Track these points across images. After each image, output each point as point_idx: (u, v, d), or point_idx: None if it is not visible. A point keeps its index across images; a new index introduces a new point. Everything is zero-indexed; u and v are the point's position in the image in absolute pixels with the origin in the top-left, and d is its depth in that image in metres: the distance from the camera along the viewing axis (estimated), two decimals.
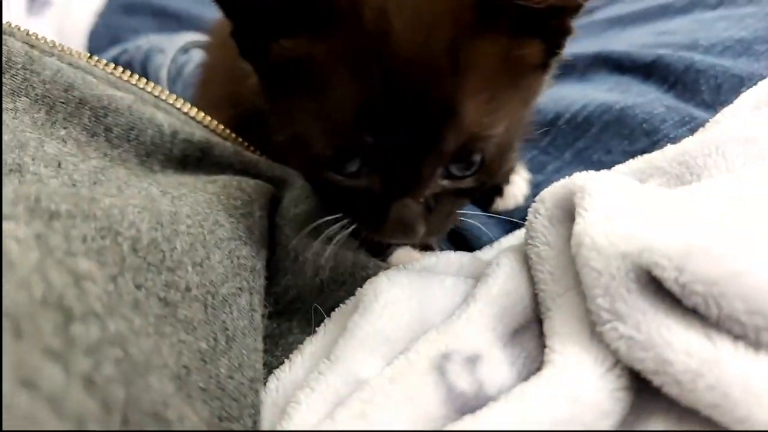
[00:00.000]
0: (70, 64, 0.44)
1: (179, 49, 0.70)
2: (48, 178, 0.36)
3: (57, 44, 0.46)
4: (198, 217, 0.37)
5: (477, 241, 0.55)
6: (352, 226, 0.40)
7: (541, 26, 0.36)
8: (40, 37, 0.46)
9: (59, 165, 0.38)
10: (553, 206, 0.40)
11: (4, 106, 0.39)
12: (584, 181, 0.38)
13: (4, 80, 0.40)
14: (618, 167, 0.42)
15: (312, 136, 0.36)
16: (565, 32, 0.39)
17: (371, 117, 0.33)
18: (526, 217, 0.42)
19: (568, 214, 0.39)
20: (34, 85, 0.41)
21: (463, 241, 0.55)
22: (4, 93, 0.40)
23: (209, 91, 0.58)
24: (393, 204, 0.36)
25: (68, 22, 0.87)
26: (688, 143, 0.39)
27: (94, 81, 0.44)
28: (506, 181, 0.57)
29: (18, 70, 0.41)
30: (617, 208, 0.34)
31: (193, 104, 0.53)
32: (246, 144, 0.52)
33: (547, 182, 0.58)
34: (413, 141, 0.34)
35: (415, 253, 0.50)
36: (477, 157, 0.38)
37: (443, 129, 0.34)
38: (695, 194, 0.34)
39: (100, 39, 0.85)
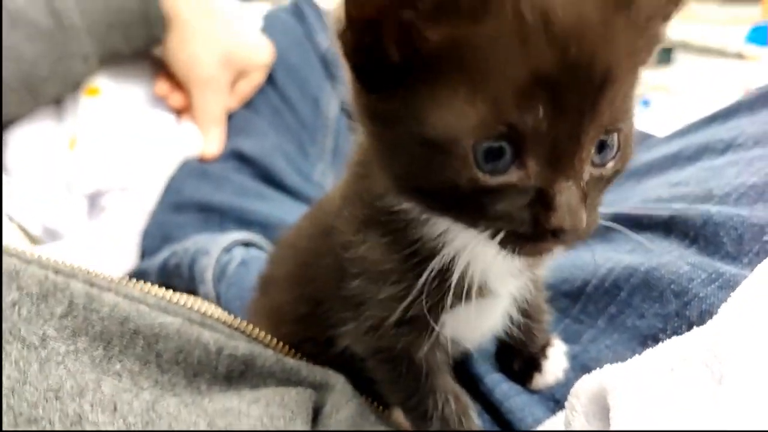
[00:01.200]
0: (125, 296, 0.48)
1: (222, 250, 0.76)
2: (105, 425, 0.39)
3: (114, 279, 0.50)
4: None
5: (521, 423, 0.54)
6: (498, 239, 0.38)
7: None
8: (99, 273, 0.50)
9: (115, 408, 0.40)
10: (588, 402, 0.40)
11: (66, 348, 0.43)
12: (615, 379, 0.38)
13: (66, 323, 0.44)
14: (648, 353, 0.43)
15: (457, 132, 0.34)
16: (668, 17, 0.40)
17: (539, 90, 0.33)
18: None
19: (604, 410, 0.39)
20: (94, 323, 0.45)
21: (507, 423, 0.55)
22: (66, 336, 0.43)
23: (269, 300, 0.62)
24: (556, 191, 0.35)
25: (123, 223, 0.96)
26: (715, 329, 0.40)
27: (146, 309, 0.48)
28: (543, 354, 0.57)
29: (79, 311, 0.44)
30: (648, 419, 0.34)
31: (251, 309, 0.57)
32: (288, 349, 0.55)
33: (585, 353, 0.58)
34: (576, 113, 0.34)
35: None
36: (615, 140, 0.38)
37: (602, 99, 0.34)
38: (727, 394, 0.34)
39: (152, 236, 0.93)
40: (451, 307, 0.45)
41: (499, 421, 0.56)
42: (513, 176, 0.35)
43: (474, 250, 0.42)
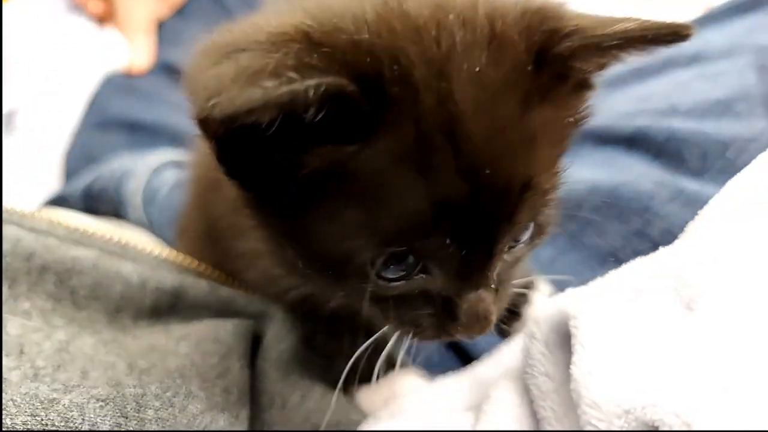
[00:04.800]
0: (30, 229, 0.42)
1: (152, 172, 0.68)
2: (9, 370, 0.34)
3: (17, 210, 0.44)
4: (168, 394, 0.35)
5: (475, 347, 0.52)
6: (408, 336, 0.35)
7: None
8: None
9: (21, 351, 0.35)
10: (549, 330, 0.37)
11: None
12: (578, 307, 0.35)
13: None
14: (611, 278, 0.40)
15: (351, 251, 0.31)
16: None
17: (445, 219, 0.29)
18: None
19: (565, 338, 0.36)
20: None
21: (462, 349, 0.53)
22: None
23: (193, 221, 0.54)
24: (464, 299, 0.32)
25: (42, 144, 0.87)
26: (681, 252, 0.37)
27: (55, 243, 0.42)
28: (524, 299, 0.52)
29: None
30: (614, 348, 0.31)
31: (177, 233, 0.51)
32: (225, 276, 0.50)
33: (546, 271, 0.55)
34: (489, 229, 0.30)
35: (415, 378, 0.47)
36: (531, 226, 0.35)
37: (520, 208, 0.31)
38: (695, 323, 0.32)
39: (76, 157, 0.85)
40: None
41: (453, 347, 0.53)
42: (416, 283, 0.32)
43: None
